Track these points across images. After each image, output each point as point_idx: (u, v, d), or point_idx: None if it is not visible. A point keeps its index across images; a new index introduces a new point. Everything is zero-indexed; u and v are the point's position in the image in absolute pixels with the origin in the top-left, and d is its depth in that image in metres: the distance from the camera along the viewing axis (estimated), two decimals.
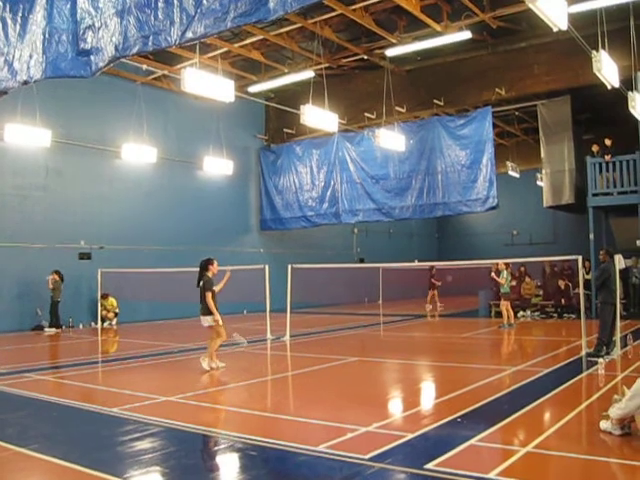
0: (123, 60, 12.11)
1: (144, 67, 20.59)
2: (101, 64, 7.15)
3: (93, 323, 21.27)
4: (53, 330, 19.50)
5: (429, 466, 5.79)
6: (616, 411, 6.67)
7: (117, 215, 22.47)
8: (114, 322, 21.34)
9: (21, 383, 10.90)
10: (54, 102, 20.01)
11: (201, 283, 11.91)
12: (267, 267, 17.02)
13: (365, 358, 13.35)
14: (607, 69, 12.53)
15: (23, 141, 18.66)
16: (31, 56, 7.39)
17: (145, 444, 6.89)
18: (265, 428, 7.65)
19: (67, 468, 6.02)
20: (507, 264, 19.15)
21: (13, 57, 7.42)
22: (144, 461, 6.26)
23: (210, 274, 11.96)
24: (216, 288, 11.91)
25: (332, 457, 6.20)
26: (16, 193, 19.99)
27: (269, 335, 16.79)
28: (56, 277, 19.58)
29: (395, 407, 9.11)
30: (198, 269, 12.19)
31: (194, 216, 24.99)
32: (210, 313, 11.68)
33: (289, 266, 17.67)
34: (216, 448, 6.74)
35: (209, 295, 11.65)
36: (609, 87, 13.37)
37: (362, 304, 29.26)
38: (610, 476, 5.83)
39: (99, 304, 20.98)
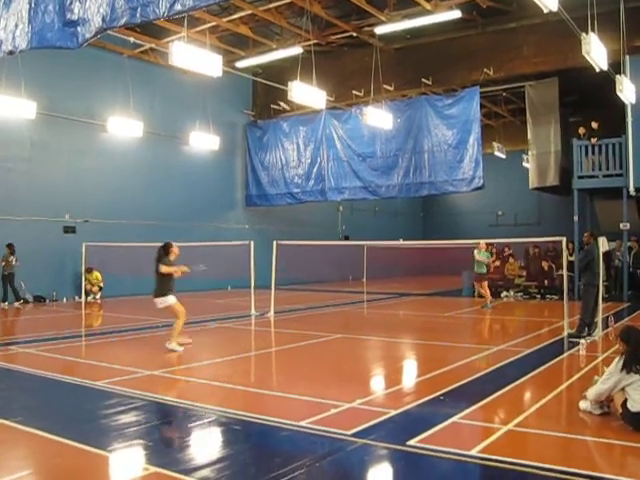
0: (110, 32, 12.01)
1: (131, 40, 20.43)
2: (88, 35, 7.08)
3: (77, 297, 21.20)
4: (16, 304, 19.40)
5: (411, 442, 5.85)
6: (592, 391, 6.76)
7: (102, 189, 22.33)
8: (98, 296, 21.29)
9: (5, 356, 10.89)
10: (40, 73, 19.76)
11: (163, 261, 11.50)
12: (252, 243, 17.01)
13: (349, 335, 13.41)
14: (596, 52, 12.55)
15: (7, 113, 18.41)
16: (17, 25, 7.30)
17: (129, 417, 6.91)
18: (249, 403, 7.70)
19: (51, 440, 6.03)
20: (489, 244, 19.22)
21: None
22: (128, 434, 6.28)
23: (172, 257, 11.67)
24: (170, 268, 11.46)
25: (315, 432, 6.25)
26: (0, 165, 19.80)
27: (253, 311, 16.81)
28: (7, 250, 19.30)
29: (378, 384, 9.17)
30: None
31: (180, 191, 24.89)
32: (163, 294, 11.44)
33: (274, 242, 17.67)
34: (200, 422, 6.76)
35: (162, 267, 11.35)
36: (597, 70, 13.38)
37: (346, 282, 29.35)
38: (588, 453, 5.92)
39: (83, 278, 20.90)
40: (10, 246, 19.16)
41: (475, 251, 18.91)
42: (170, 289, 11.52)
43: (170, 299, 11.47)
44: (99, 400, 7.72)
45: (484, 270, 18.86)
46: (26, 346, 11.74)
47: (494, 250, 22.94)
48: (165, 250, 11.69)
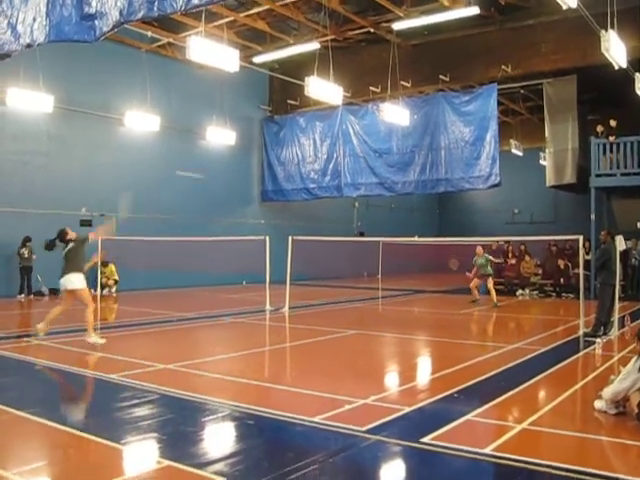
0: (127, 26, 12.03)
1: (149, 34, 20.44)
2: (105, 29, 7.09)
3: (93, 290, 21.25)
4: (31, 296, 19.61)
5: (425, 440, 5.83)
6: (608, 391, 6.71)
7: (119, 183, 22.37)
8: (114, 289, 21.39)
9: (21, 348, 10.96)
10: (57, 67, 19.82)
11: (69, 245, 11.55)
12: (268, 238, 17.02)
13: (363, 331, 13.40)
14: (615, 49, 12.44)
15: (25, 106, 18.52)
16: (34, 19, 7.31)
17: (143, 411, 6.93)
18: (262, 398, 7.70)
19: (65, 432, 6.06)
20: (484, 247, 19.46)
21: (17, 20, 7.34)
22: (142, 427, 6.30)
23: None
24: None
25: (329, 428, 6.24)
26: (17, 159, 19.92)
27: (268, 306, 16.84)
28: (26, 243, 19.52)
29: (392, 381, 9.16)
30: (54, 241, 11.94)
31: (196, 185, 24.95)
32: (77, 270, 11.28)
33: (289, 238, 17.68)
34: (214, 416, 6.77)
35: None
36: (616, 67, 13.28)
37: (361, 278, 29.30)
38: (602, 453, 5.88)
39: (99, 271, 20.98)
40: (28, 239, 19.32)
41: (474, 259, 19.15)
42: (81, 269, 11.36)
43: (82, 281, 11.31)
44: (113, 393, 7.75)
45: (490, 271, 19.06)
46: (41, 338, 11.79)
47: (505, 246, 23.05)
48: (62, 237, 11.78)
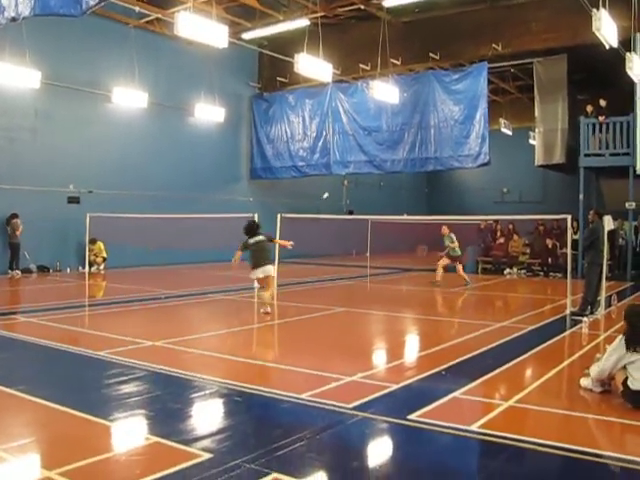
0: (115, 1, 11.90)
1: (137, 9, 20.22)
2: (92, 3, 7.03)
3: (81, 267, 21.23)
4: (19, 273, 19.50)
5: (412, 417, 5.87)
6: (594, 369, 6.76)
7: (107, 160, 22.27)
8: (102, 267, 21.32)
9: (8, 325, 10.93)
10: (44, 42, 19.57)
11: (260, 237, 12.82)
12: (256, 216, 16.98)
13: (351, 309, 13.45)
14: (606, 29, 12.39)
15: (11, 81, 18.28)
16: None
17: (131, 387, 6.94)
18: (250, 375, 7.72)
19: (53, 409, 6.06)
20: (450, 227, 18.71)
21: None
22: (130, 404, 6.31)
23: None
24: None
25: (316, 405, 6.27)
26: (3, 135, 19.74)
27: (256, 284, 16.81)
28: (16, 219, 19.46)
29: (380, 358, 9.21)
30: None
31: (184, 163, 24.82)
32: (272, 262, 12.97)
33: (278, 215, 17.64)
34: (201, 393, 6.79)
35: None
36: (607, 47, 13.21)
37: (350, 256, 29.32)
38: (587, 430, 5.94)
39: (87, 248, 20.92)
40: (14, 216, 19.23)
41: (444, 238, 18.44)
42: None
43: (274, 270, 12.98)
44: (101, 370, 7.76)
45: (458, 252, 18.26)
46: (29, 315, 11.78)
47: (494, 225, 23.01)
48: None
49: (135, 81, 21.94)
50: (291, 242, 13.66)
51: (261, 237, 12.68)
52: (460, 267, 18.27)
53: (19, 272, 19.31)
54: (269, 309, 12.40)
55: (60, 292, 16.20)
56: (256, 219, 16.76)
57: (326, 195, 12.60)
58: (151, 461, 4.98)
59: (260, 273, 12.52)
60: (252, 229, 12.83)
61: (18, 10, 7.01)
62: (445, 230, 18.35)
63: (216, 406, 6.55)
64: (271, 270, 12.67)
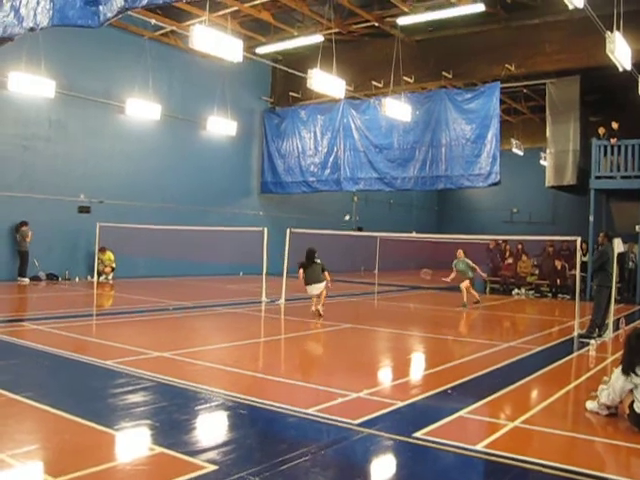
0: (131, 13, 11.99)
1: (152, 22, 20.40)
2: (109, 15, 7.06)
3: (90, 277, 21.29)
4: (27, 280, 19.59)
5: (417, 435, 5.85)
6: (604, 394, 6.69)
7: (118, 170, 22.40)
8: (110, 277, 21.38)
9: (16, 332, 10.96)
10: (60, 53, 19.77)
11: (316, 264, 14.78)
12: (266, 230, 17.03)
13: (359, 326, 13.43)
14: (620, 51, 12.44)
15: (27, 90, 18.49)
16: (38, 2, 7.27)
17: (137, 397, 6.95)
18: (256, 388, 7.72)
19: (59, 416, 6.07)
20: (465, 251, 18.14)
21: (20, 3, 7.30)
22: (136, 414, 6.32)
23: None
24: None
25: (321, 420, 6.26)
26: (17, 143, 19.89)
27: (264, 298, 16.85)
28: (25, 227, 19.61)
29: (386, 375, 9.18)
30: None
31: (195, 175, 24.92)
32: (322, 280, 14.69)
33: (288, 230, 17.67)
34: (207, 405, 6.79)
35: None
36: (620, 69, 13.26)
37: (358, 272, 29.30)
38: (592, 453, 5.90)
39: (96, 258, 20.99)
40: (26, 223, 19.36)
41: (454, 262, 17.93)
42: None
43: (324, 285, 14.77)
44: (108, 379, 7.77)
45: (470, 275, 17.71)
46: (38, 323, 11.81)
47: (503, 245, 22.88)
48: None
49: (149, 93, 22.11)
50: (330, 285, 15.09)
51: (318, 262, 14.74)
52: (465, 286, 17.70)
53: (27, 279, 19.40)
54: (321, 310, 14.52)
55: (68, 300, 16.24)
56: (265, 233, 16.89)
57: (347, 217, 12.87)
58: (156, 471, 4.98)
59: (315, 287, 14.62)
60: (312, 255, 14.76)
61: (37, 20, 7.06)
62: (460, 253, 17.98)
63: (222, 418, 6.55)
64: (323, 287, 14.65)
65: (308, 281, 14.61)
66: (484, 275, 17.59)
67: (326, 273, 14.66)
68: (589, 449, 5.97)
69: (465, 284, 17.64)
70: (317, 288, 14.61)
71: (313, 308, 14.70)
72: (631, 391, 6.38)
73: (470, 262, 17.79)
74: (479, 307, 17.55)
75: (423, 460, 5.51)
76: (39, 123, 20.43)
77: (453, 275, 17.91)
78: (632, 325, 13.72)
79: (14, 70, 17.95)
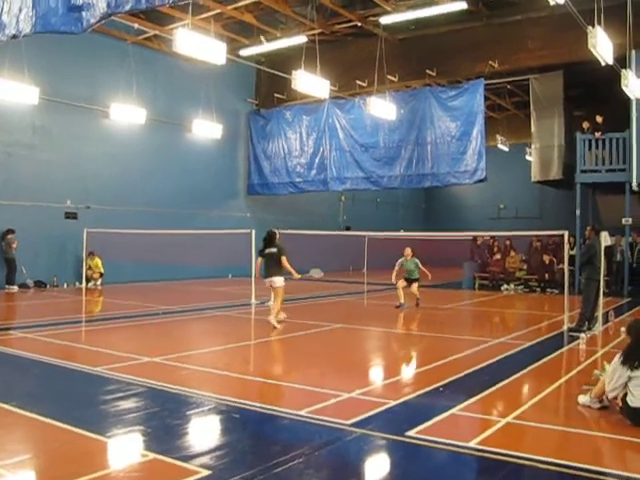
0: (114, 18, 11.97)
1: (135, 26, 20.30)
2: (92, 20, 7.06)
3: (78, 283, 21.21)
4: (16, 288, 19.55)
5: (410, 433, 5.85)
6: (608, 387, 6.61)
7: (104, 175, 22.32)
8: (99, 282, 21.28)
9: (4, 340, 10.90)
10: (43, 59, 19.68)
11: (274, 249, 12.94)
12: (253, 232, 17.01)
13: (349, 325, 13.43)
14: (602, 46, 12.48)
15: (10, 97, 18.37)
16: (20, 10, 7.26)
17: (128, 403, 6.92)
18: (248, 391, 7.71)
19: (50, 425, 6.04)
20: (413, 251, 17.56)
21: (2, 10, 7.30)
22: (127, 420, 6.29)
23: None
24: None
25: (314, 422, 6.25)
26: (2, 150, 19.79)
27: (253, 300, 16.83)
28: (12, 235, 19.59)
29: (377, 375, 9.19)
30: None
31: (182, 178, 24.87)
32: (281, 273, 13.02)
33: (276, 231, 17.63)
34: (199, 409, 6.77)
35: None
36: (603, 64, 13.31)
37: (347, 272, 29.31)
38: (586, 446, 5.90)
39: (84, 264, 20.89)
40: (12, 231, 19.27)
41: (401, 260, 17.21)
42: None
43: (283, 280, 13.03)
44: (98, 386, 7.73)
45: (416, 276, 16.93)
46: (26, 331, 11.75)
47: (491, 241, 22.95)
48: None
49: (133, 97, 22.03)
50: (298, 276, 13.94)
51: (274, 250, 12.88)
52: (416, 288, 17.04)
53: (16, 287, 19.32)
54: (275, 322, 12.59)
55: (57, 307, 16.16)
56: (253, 235, 16.86)
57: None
58: (149, 478, 4.97)
59: (267, 282, 12.93)
60: (269, 240, 13.07)
61: (19, 27, 7.04)
62: (408, 252, 17.19)
63: (214, 422, 6.53)
64: (277, 282, 12.83)
65: (264, 273, 13.00)
66: (429, 275, 16.86)
67: (284, 260, 12.76)
68: (583, 443, 5.98)
69: (401, 284, 16.87)
70: (271, 281, 12.87)
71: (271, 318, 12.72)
72: (625, 384, 6.39)
73: (419, 262, 17.00)
74: (467, 303, 17.56)
75: (416, 459, 5.52)
76: (23, 130, 20.32)
77: (396, 271, 17.10)
78: (621, 318, 13.80)
79: None
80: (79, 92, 21.59)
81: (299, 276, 13.79)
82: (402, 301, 16.69)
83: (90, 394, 7.38)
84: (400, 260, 17.20)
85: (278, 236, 13.23)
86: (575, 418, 6.63)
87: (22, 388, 7.75)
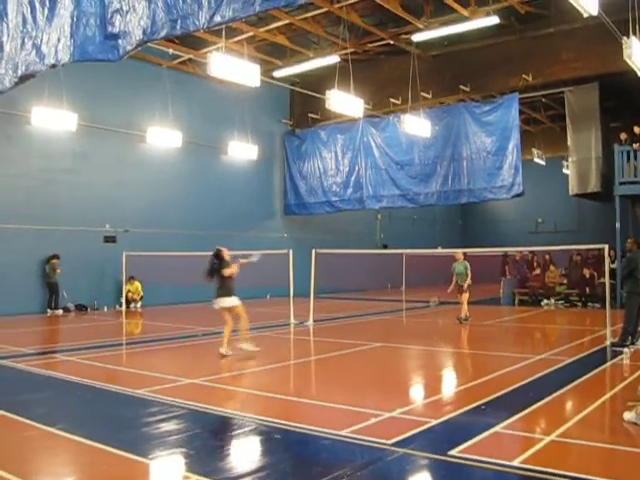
0: (149, 44, 12.15)
1: (170, 51, 20.61)
2: (129, 48, 7.17)
3: (118, 306, 21.45)
4: (61, 311, 19.92)
5: (453, 452, 5.79)
6: None
7: (142, 199, 22.60)
8: (139, 305, 21.50)
9: (48, 364, 11.06)
10: (80, 86, 20.06)
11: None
12: (291, 252, 17.06)
13: (388, 344, 13.36)
14: (637, 56, 12.37)
15: (50, 124, 18.84)
16: (59, 40, 7.41)
17: (170, 425, 6.96)
18: (288, 412, 7.70)
19: (93, 447, 6.09)
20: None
21: (41, 41, 7.46)
22: (169, 442, 6.33)
23: None
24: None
25: (355, 442, 6.22)
26: (42, 177, 20.15)
27: (292, 320, 16.84)
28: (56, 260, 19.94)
29: (418, 393, 9.13)
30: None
31: (218, 200, 25.06)
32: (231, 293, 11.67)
33: (313, 251, 17.68)
34: (240, 431, 6.79)
35: None
36: (639, 74, 13.19)
37: (385, 290, 29.24)
38: (632, 465, 5.77)
39: (124, 287, 21.13)
40: (57, 257, 19.62)
41: (453, 265, 17.22)
42: None
43: (236, 299, 11.73)
44: (140, 408, 7.79)
45: (465, 280, 16.84)
46: (69, 354, 11.90)
47: (530, 256, 22.69)
48: None
49: (169, 121, 22.33)
50: (244, 260, 12.31)
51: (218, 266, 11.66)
52: (465, 299, 16.96)
53: (61, 311, 19.66)
54: (223, 350, 11.52)
55: (98, 330, 16.34)
56: (290, 255, 16.87)
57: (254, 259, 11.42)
58: None
59: (217, 305, 11.73)
60: (214, 258, 11.81)
61: (58, 57, 7.19)
62: (460, 256, 17.18)
63: (255, 443, 6.54)
64: (230, 302, 11.64)
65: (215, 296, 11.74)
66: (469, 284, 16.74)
67: (226, 271, 11.57)
68: (629, 460, 5.86)
69: (464, 297, 16.87)
70: (222, 303, 11.65)
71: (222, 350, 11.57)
72: None
73: (469, 266, 17.00)
74: (507, 319, 17.37)
75: (459, 478, 5.46)
76: (62, 156, 20.69)
77: (454, 280, 17.04)
78: None
79: (37, 105, 18.25)
80: (116, 117, 21.94)
81: (245, 260, 12.21)
82: (467, 314, 16.83)
83: (132, 416, 7.45)
84: (453, 265, 17.21)
85: (226, 253, 11.87)
86: (621, 435, 6.51)
87: (66, 411, 7.85)
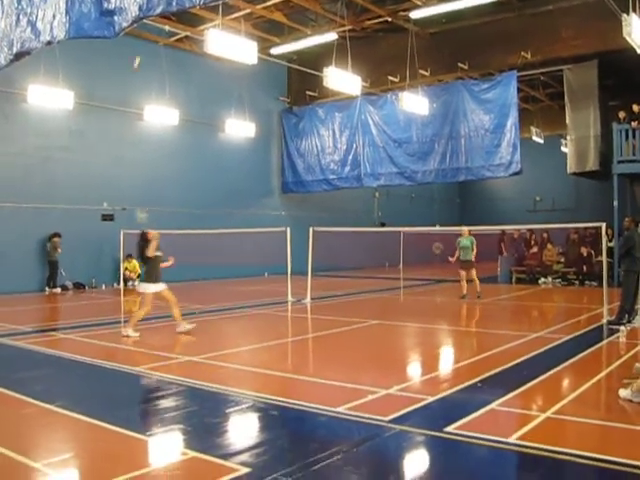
0: (146, 21, 12.07)
1: (166, 28, 20.47)
2: (124, 24, 7.11)
3: (116, 284, 21.47)
4: (59, 289, 19.98)
5: (449, 429, 5.83)
6: None
7: (139, 177, 22.55)
8: (136, 283, 21.47)
9: (48, 341, 11.09)
10: (76, 63, 19.94)
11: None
12: (288, 230, 17.06)
13: (386, 321, 13.41)
14: (637, 33, 12.30)
15: (46, 102, 18.75)
16: (54, 16, 7.35)
17: (168, 402, 7.00)
18: (286, 389, 7.75)
19: (92, 424, 6.13)
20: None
21: (36, 17, 7.40)
22: (167, 419, 6.36)
23: None
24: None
25: (352, 418, 6.26)
26: (39, 154, 20.08)
27: (290, 297, 16.88)
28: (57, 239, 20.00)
29: (415, 370, 9.18)
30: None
31: (216, 178, 25.01)
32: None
33: (310, 229, 17.69)
34: (238, 408, 6.82)
35: None
36: (639, 52, 13.12)
37: (383, 268, 29.28)
38: (627, 441, 5.81)
39: (122, 265, 21.13)
40: (59, 235, 19.64)
41: (458, 239, 17.59)
42: None
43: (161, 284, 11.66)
44: (139, 385, 7.84)
45: (470, 257, 17.27)
46: (68, 332, 11.94)
47: (528, 234, 22.69)
48: None
49: (166, 99, 22.23)
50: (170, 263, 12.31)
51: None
52: (475, 275, 17.30)
53: (59, 289, 19.69)
54: (126, 332, 11.36)
55: (96, 308, 16.37)
56: (288, 233, 16.87)
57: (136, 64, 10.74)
58: (189, 476, 5.02)
59: (142, 290, 11.82)
60: (141, 241, 11.78)
61: (53, 34, 7.13)
62: (465, 231, 17.51)
63: (253, 420, 6.58)
64: (148, 288, 11.60)
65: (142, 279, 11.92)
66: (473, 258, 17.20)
67: (149, 252, 11.47)
68: (625, 437, 5.89)
69: (472, 274, 17.25)
70: (147, 289, 11.61)
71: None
72: None
73: (474, 241, 17.37)
74: (505, 297, 17.41)
75: (455, 454, 5.49)
76: (59, 134, 20.61)
77: (456, 255, 17.61)
78: None
79: (33, 83, 18.16)
80: (113, 95, 21.83)
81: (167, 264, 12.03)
82: (465, 292, 17.17)
83: (131, 394, 7.49)
84: (458, 240, 17.54)
85: (151, 235, 11.77)
86: (616, 412, 6.55)
87: (65, 388, 7.89)
